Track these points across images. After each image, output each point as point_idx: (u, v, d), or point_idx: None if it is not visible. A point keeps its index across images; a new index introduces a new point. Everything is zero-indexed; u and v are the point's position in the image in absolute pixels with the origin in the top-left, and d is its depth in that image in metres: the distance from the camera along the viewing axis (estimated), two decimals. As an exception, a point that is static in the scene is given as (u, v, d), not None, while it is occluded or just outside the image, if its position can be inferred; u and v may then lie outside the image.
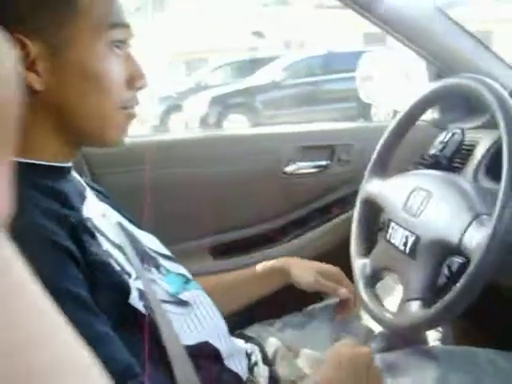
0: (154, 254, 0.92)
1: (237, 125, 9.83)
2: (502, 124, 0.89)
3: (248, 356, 1.04)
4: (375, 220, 1.24)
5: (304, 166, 1.57)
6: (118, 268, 0.76)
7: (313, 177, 1.57)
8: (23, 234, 0.61)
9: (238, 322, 1.12)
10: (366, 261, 1.15)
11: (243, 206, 1.54)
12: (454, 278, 0.94)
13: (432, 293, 0.96)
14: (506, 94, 0.94)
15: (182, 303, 0.88)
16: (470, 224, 0.91)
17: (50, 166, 0.76)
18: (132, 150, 1.36)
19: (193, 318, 0.87)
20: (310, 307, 1.29)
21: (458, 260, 0.94)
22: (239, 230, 1.52)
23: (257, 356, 1.06)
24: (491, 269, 0.85)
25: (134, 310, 0.75)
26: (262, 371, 1.02)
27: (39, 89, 0.71)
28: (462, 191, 1.00)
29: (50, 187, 0.74)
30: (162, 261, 0.93)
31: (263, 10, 17.91)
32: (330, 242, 1.54)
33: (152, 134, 6.47)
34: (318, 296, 1.26)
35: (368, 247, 1.20)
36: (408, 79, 1.89)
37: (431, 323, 0.96)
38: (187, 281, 0.93)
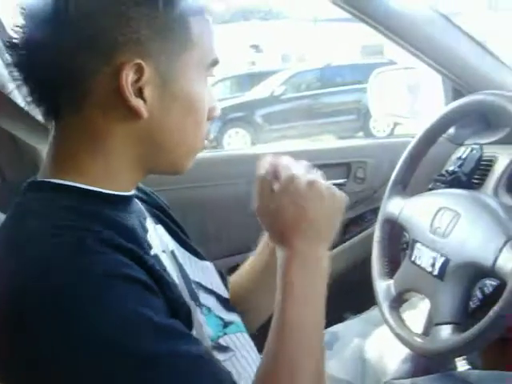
0: (196, 288, 0.83)
1: (237, 139, 9.84)
2: None
3: None
4: (397, 240, 1.22)
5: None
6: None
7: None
8: (79, 277, 0.58)
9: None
10: (390, 282, 1.13)
11: (259, 225, 1.51)
12: (487, 301, 0.91)
13: (464, 317, 0.93)
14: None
15: (222, 348, 0.80)
16: (504, 246, 0.88)
17: (115, 195, 0.71)
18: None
19: (235, 364, 0.80)
20: (334, 327, 1.26)
21: (491, 283, 0.92)
22: (249, 251, 1.49)
23: None
24: (529, 293, 0.83)
25: None
26: None
27: (144, 115, 0.67)
28: (491, 211, 0.98)
29: (114, 220, 0.69)
30: (202, 296, 0.84)
31: (261, 24, 17.99)
32: (347, 261, 1.52)
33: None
34: (340, 315, 1.24)
35: (391, 268, 1.17)
36: (415, 95, 1.88)
37: (465, 349, 0.93)
38: (226, 324, 0.85)
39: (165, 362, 0.58)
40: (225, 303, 0.88)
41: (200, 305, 0.81)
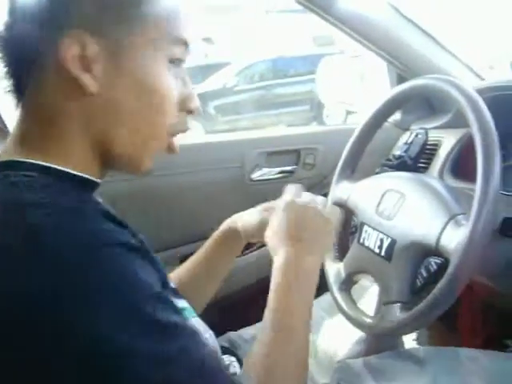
0: None
1: (190, 130, 9.77)
2: (473, 122, 0.89)
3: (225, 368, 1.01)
4: (346, 224, 1.24)
5: (270, 172, 1.56)
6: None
7: (279, 182, 1.56)
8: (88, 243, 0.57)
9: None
10: (340, 265, 1.14)
11: (211, 214, 1.51)
12: (432, 279, 0.94)
13: (411, 296, 0.96)
14: (474, 92, 0.94)
15: None
16: (446, 224, 0.91)
17: (86, 178, 0.70)
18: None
19: None
20: None
21: (435, 261, 0.94)
22: (206, 239, 1.50)
23: (235, 367, 1.03)
24: (471, 269, 0.85)
25: None
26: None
27: (93, 91, 0.65)
28: (434, 192, 1.00)
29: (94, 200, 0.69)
30: None
31: (213, 16, 17.90)
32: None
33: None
34: None
35: (341, 252, 1.19)
36: (363, 83, 1.91)
37: (413, 326, 0.95)
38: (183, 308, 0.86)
39: (169, 332, 0.59)
40: (174, 292, 0.89)
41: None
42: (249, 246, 1.35)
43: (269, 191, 1.56)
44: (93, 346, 0.55)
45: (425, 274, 0.96)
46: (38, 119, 0.68)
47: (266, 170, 1.55)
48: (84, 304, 0.55)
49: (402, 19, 1.44)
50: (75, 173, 0.68)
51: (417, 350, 1.03)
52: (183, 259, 1.48)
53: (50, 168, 0.66)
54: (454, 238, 0.88)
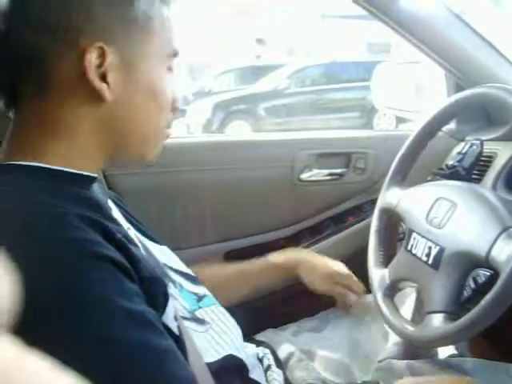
0: (165, 268, 0.89)
1: (239, 131, 9.83)
2: None
3: (260, 360, 1.03)
4: (394, 230, 1.23)
5: (319, 174, 1.56)
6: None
7: (328, 184, 1.56)
8: (60, 251, 0.58)
9: (249, 329, 1.10)
10: (385, 271, 1.13)
11: (257, 211, 1.52)
12: (480, 291, 0.92)
13: (456, 306, 0.94)
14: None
15: (199, 321, 0.86)
16: (498, 236, 0.89)
17: (79, 174, 0.73)
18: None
19: (213, 335, 0.86)
20: (325, 312, 1.28)
21: (484, 273, 0.92)
22: (252, 236, 1.51)
23: (269, 360, 1.05)
24: (521, 283, 0.83)
25: (168, 330, 0.70)
26: (277, 375, 1.01)
27: (108, 99, 0.70)
28: (487, 203, 0.98)
29: (83, 197, 0.70)
30: (173, 275, 0.90)
31: (267, 18, 17.95)
32: (344, 250, 1.52)
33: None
34: (331, 301, 1.25)
35: (386, 257, 1.18)
36: (419, 91, 1.88)
37: (456, 338, 0.94)
38: (200, 298, 0.91)
39: (134, 351, 0.59)
40: (193, 280, 0.94)
41: (172, 281, 0.85)
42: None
43: (317, 192, 1.56)
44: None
45: (472, 285, 0.94)
46: (44, 124, 0.70)
47: (315, 171, 1.55)
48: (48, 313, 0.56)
49: (464, 26, 1.42)
50: (72, 170, 0.71)
51: (464, 360, 1.01)
52: (227, 255, 1.51)
53: (40, 168, 0.69)
54: (506, 251, 0.86)
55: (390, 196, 1.20)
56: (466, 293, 0.95)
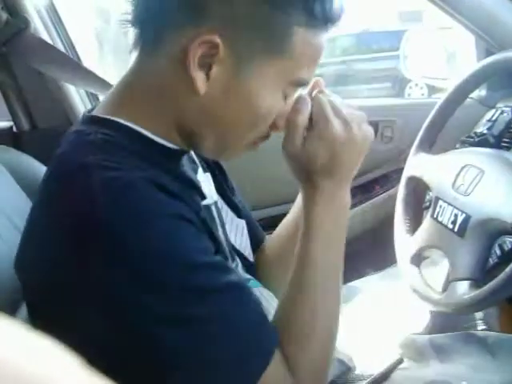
0: (228, 247, 0.86)
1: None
2: None
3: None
4: (420, 198, 1.22)
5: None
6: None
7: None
8: (148, 212, 0.60)
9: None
10: (411, 239, 1.13)
11: (281, 182, 1.52)
12: (505, 258, 0.91)
13: (482, 273, 0.93)
14: None
15: None
16: (525, 203, 0.88)
17: (172, 148, 0.72)
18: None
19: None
20: (354, 282, 1.28)
21: (511, 240, 0.92)
22: (280, 205, 1.50)
23: None
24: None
25: None
26: None
27: (199, 91, 0.66)
28: (515, 170, 0.97)
29: (173, 169, 0.71)
30: (235, 255, 0.89)
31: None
32: (371, 219, 1.52)
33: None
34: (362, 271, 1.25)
35: (413, 225, 1.17)
36: (449, 57, 1.85)
37: (482, 304, 0.93)
38: (247, 280, 0.88)
39: (226, 293, 0.63)
40: (248, 267, 0.92)
41: (232, 258, 0.86)
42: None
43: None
44: (133, 312, 0.59)
45: (498, 252, 0.94)
46: (143, 88, 0.70)
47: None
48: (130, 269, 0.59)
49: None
50: (164, 142, 0.71)
51: (486, 334, 1.00)
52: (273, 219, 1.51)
53: (134, 131, 0.69)
54: (532, 217, 0.85)
55: (417, 164, 1.19)
56: (492, 260, 0.94)
